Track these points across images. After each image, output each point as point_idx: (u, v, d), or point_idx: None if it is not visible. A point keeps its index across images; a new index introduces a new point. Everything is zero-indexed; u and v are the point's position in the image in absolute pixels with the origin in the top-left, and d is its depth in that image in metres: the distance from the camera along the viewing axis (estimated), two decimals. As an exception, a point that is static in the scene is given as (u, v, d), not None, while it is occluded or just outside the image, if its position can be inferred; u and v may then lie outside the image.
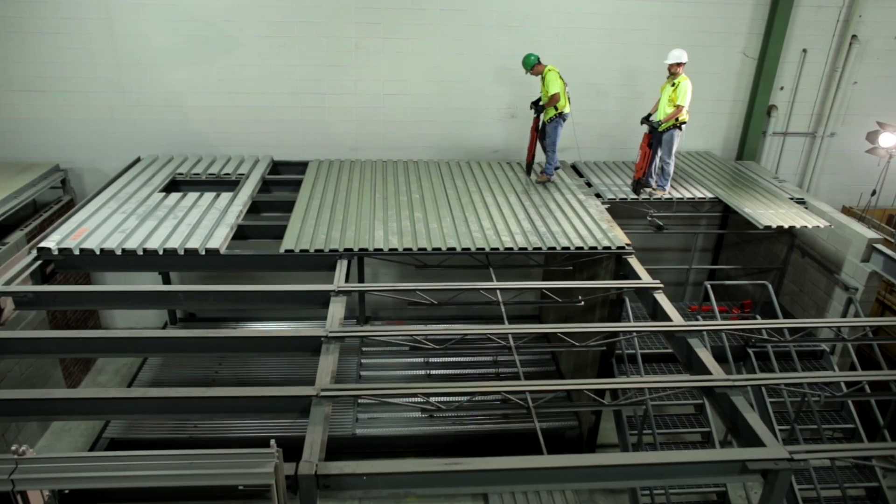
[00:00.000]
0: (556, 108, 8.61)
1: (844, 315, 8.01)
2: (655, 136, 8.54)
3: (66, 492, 3.96)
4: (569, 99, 8.72)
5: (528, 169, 9.45)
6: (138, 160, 9.45)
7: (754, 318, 8.30)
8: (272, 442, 3.80)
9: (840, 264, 8.30)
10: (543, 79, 8.68)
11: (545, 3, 9.56)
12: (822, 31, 10.10)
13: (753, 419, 4.75)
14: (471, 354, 9.23)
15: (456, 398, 5.24)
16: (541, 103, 8.81)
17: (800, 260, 9.12)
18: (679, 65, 8.21)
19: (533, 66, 8.67)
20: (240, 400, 4.81)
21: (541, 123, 8.97)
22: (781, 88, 10.42)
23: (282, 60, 9.53)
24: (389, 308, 10.81)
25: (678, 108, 8.23)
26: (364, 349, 9.70)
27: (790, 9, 9.77)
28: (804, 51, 10.19)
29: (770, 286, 8.02)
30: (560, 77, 8.57)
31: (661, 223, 8.77)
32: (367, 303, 10.23)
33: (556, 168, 9.21)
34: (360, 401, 8.40)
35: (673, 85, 8.27)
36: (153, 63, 9.34)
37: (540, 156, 9.35)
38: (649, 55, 9.75)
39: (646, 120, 8.64)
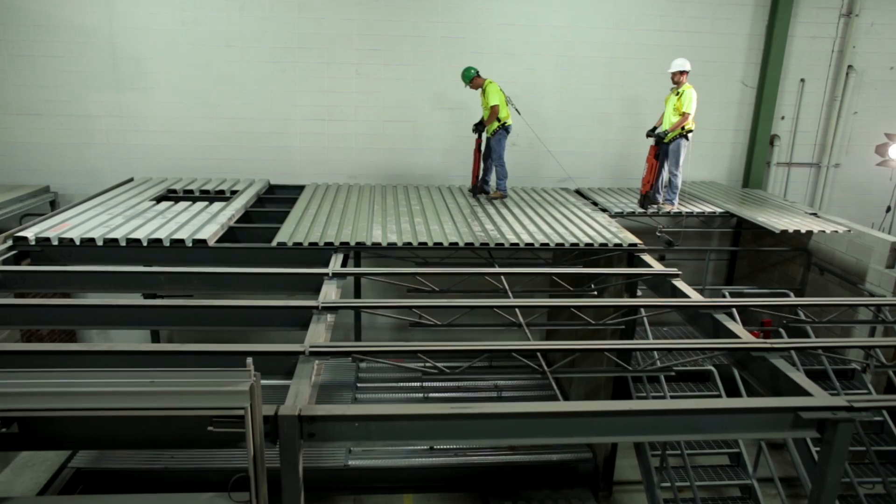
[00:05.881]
0: (499, 120, 8.44)
1: (873, 327, 7.48)
2: (662, 147, 8.35)
3: (3, 429, 3.30)
4: (517, 111, 8.54)
5: (474, 191, 8.99)
6: (131, 180, 9.20)
7: (776, 329, 7.74)
8: (249, 360, 3.25)
9: (863, 274, 7.86)
10: (484, 91, 8.53)
11: (544, 31, 9.68)
12: (818, 61, 10.18)
13: (800, 378, 4.18)
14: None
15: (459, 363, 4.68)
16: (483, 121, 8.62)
17: (818, 278, 8.68)
18: (682, 73, 8.16)
19: (472, 79, 8.52)
20: (224, 355, 4.24)
21: (484, 143, 8.72)
22: (783, 118, 10.38)
23: (282, 86, 9.52)
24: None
25: (684, 115, 8.09)
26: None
27: (785, 39, 9.89)
28: (802, 80, 10.24)
29: (793, 294, 7.55)
30: (501, 90, 8.45)
31: (670, 238, 8.42)
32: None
33: (505, 196, 8.83)
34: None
35: (677, 94, 8.18)
36: (152, 87, 9.31)
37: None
38: (650, 84, 9.77)
39: (651, 132, 8.48)
